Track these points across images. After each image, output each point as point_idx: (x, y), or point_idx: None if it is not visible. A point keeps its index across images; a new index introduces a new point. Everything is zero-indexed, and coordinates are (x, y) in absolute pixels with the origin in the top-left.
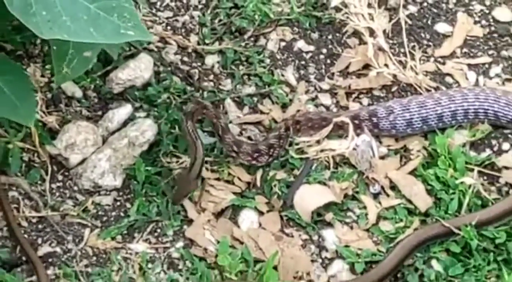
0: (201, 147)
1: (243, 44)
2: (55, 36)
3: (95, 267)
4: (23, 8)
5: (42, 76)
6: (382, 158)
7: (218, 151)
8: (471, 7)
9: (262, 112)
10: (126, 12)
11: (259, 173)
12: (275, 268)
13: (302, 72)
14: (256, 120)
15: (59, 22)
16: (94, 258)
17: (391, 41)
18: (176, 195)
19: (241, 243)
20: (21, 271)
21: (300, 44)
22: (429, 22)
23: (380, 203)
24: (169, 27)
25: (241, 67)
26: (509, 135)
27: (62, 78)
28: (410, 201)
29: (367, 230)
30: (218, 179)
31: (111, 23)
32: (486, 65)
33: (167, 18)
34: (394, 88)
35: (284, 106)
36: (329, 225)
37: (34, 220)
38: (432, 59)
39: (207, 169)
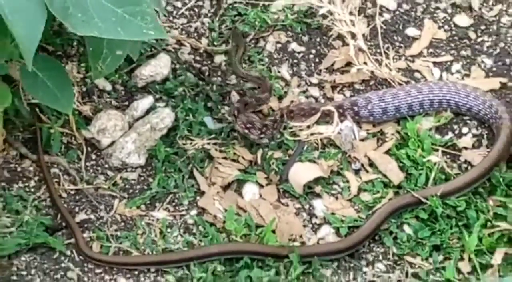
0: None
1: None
2: (88, 33)
3: (123, 231)
4: (62, 10)
5: (78, 72)
6: (362, 140)
7: (225, 134)
8: (435, 15)
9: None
10: (148, 16)
11: (259, 153)
12: (273, 231)
13: (295, 69)
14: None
15: (92, 22)
16: (122, 223)
17: (369, 43)
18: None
19: (245, 211)
20: (62, 235)
21: (293, 45)
22: (400, 27)
23: (360, 177)
24: (184, 32)
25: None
26: (468, 121)
27: (98, 74)
28: (385, 176)
29: (350, 200)
30: (225, 158)
31: (135, 24)
32: (448, 63)
33: (182, 24)
34: (371, 82)
35: (280, 98)
36: (318, 196)
37: (72, 192)
38: (403, 58)
39: (216, 149)
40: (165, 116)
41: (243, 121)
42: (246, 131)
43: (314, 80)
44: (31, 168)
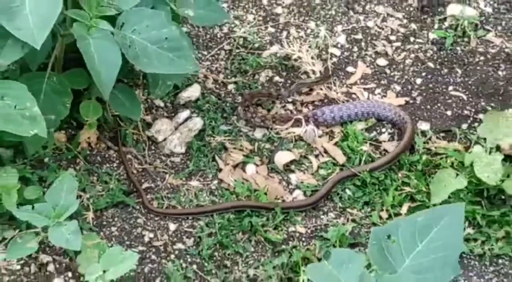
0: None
1: (247, 78)
2: (150, 71)
3: (172, 193)
4: (134, 57)
5: (143, 95)
6: (319, 136)
7: (235, 133)
8: (365, 58)
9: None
10: (188, 57)
11: (256, 145)
12: (265, 194)
13: (278, 92)
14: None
15: (152, 63)
16: (171, 189)
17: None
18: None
19: (247, 181)
20: (134, 196)
21: (276, 78)
22: (343, 66)
23: (319, 160)
24: (208, 70)
25: (246, 90)
26: (385, 125)
27: (157, 96)
28: (334, 159)
29: (312, 174)
30: (235, 148)
31: (180, 63)
32: (373, 88)
33: (207, 65)
34: (325, 101)
35: (269, 110)
36: (292, 171)
37: (140, 170)
38: (345, 85)
39: (229, 143)
40: (197, 123)
41: (258, 116)
42: (260, 122)
43: (290, 99)
44: (114, 155)
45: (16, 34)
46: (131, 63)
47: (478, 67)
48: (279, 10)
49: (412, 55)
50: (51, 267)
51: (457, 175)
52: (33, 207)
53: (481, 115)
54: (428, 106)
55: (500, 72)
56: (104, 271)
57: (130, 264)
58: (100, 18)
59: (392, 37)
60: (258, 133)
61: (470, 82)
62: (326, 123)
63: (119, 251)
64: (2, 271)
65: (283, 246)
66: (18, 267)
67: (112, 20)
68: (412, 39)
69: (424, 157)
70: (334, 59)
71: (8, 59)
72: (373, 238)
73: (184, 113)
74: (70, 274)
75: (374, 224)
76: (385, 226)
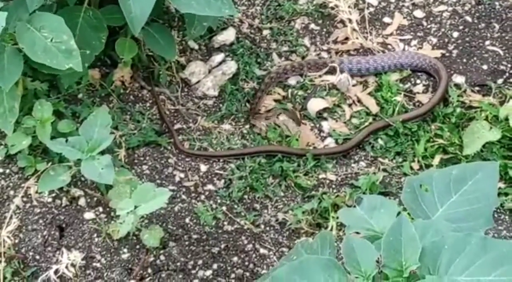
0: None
1: (282, 24)
2: (187, 10)
3: (203, 136)
4: None
5: (177, 37)
6: (353, 85)
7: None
8: (402, 9)
9: (292, 61)
10: (225, 0)
11: (289, 91)
12: (297, 140)
13: (313, 40)
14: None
15: (190, 3)
16: (203, 131)
17: (359, 26)
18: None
19: (279, 126)
20: (166, 137)
21: (312, 25)
22: (380, 16)
23: (352, 109)
24: (244, 14)
25: (281, 37)
26: (420, 76)
27: (191, 36)
28: (367, 108)
29: (345, 122)
30: (267, 93)
31: (217, 5)
32: (409, 40)
33: (242, 9)
34: (361, 50)
35: (303, 58)
36: (325, 119)
37: (172, 111)
38: (381, 36)
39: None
40: (231, 66)
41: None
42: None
43: (325, 47)
44: (147, 95)
45: None
46: (167, 4)
47: None
48: None
49: (450, 9)
50: (82, 201)
51: (491, 127)
52: (66, 140)
53: None
54: (464, 60)
55: None
56: (136, 207)
57: (162, 200)
58: None
59: None
60: (292, 80)
61: (507, 37)
62: (360, 73)
63: (151, 187)
64: (33, 203)
65: (313, 192)
66: (50, 199)
67: None
68: None
69: (458, 110)
70: (371, 9)
71: None
72: (407, 185)
73: (219, 57)
74: (101, 208)
75: (405, 174)
76: (419, 175)
